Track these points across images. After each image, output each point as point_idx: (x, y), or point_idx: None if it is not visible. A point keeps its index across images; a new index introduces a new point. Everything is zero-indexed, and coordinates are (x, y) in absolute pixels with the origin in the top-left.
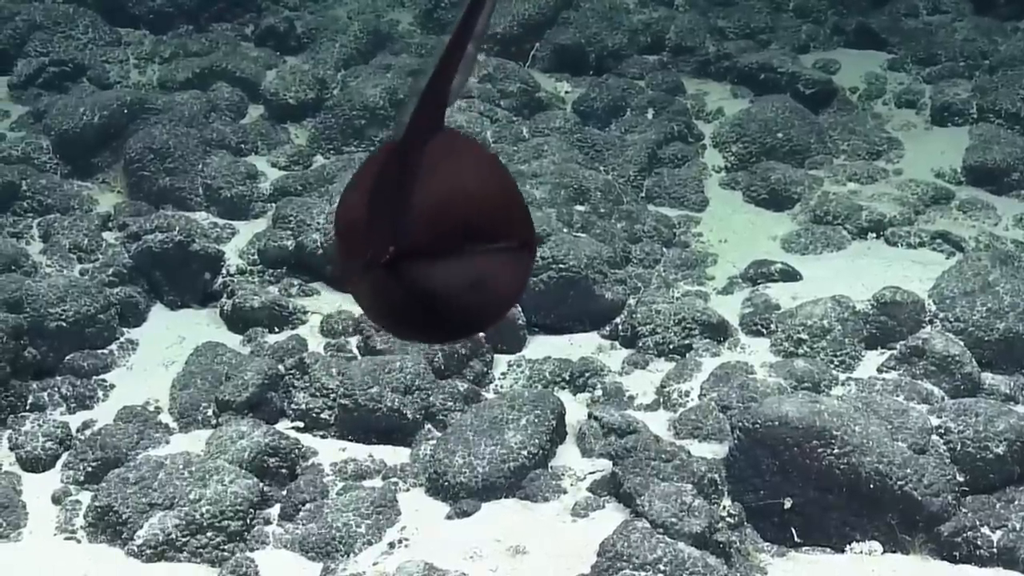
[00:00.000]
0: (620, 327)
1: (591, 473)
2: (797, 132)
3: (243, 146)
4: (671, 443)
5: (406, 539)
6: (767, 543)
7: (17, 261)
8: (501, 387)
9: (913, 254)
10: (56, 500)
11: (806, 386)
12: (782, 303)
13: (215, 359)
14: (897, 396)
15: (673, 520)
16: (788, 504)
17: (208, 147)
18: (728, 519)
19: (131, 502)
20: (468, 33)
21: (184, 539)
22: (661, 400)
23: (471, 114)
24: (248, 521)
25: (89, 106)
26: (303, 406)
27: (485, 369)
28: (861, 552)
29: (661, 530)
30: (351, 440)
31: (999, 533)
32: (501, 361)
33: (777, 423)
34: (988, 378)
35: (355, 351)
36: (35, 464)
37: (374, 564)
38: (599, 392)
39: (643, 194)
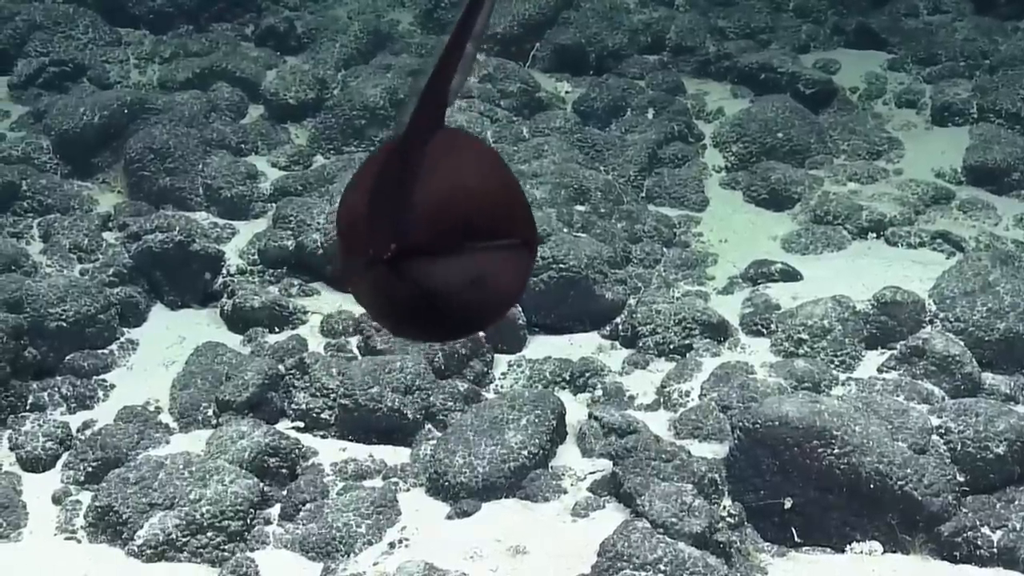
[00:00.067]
0: (620, 327)
1: (591, 473)
2: (797, 132)
3: (243, 146)
4: (671, 443)
5: (406, 539)
6: (767, 543)
7: (17, 261)
8: (501, 387)
9: (913, 254)
10: (56, 500)
11: (806, 386)
12: (782, 303)
13: (215, 359)
14: (897, 396)
15: (673, 520)
16: (788, 504)
17: (208, 147)
18: (728, 519)
19: (131, 502)
20: (467, 33)
21: (184, 539)
22: (661, 400)
23: (471, 114)
24: (248, 521)
25: (89, 106)
26: (303, 406)
27: (485, 369)
28: (861, 552)
29: (661, 530)
30: (351, 440)
31: (999, 533)
32: (501, 361)
33: (777, 423)
34: (988, 378)
35: (355, 351)
36: (35, 464)
37: (374, 564)
38: (599, 392)
39: (643, 194)
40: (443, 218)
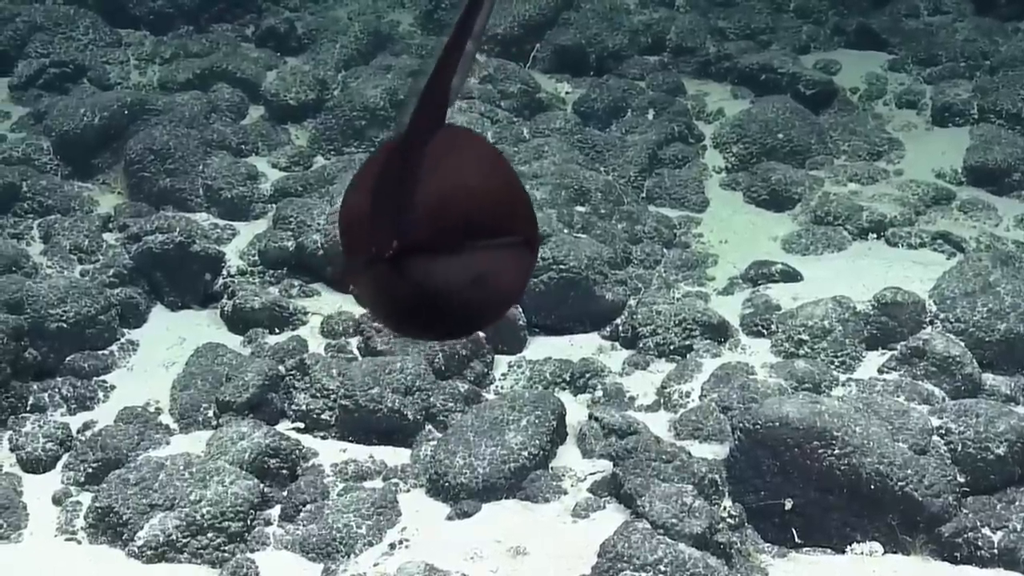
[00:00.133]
0: (621, 328)
1: (592, 474)
2: (798, 133)
3: (243, 147)
4: (672, 444)
5: (407, 540)
6: (768, 544)
7: (18, 262)
8: (502, 388)
9: (914, 255)
10: (57, 501)
11: (807, 387)
12: (783, 304)
13: (215, 360)
14: (898, 397)
15: (674, 521)
16: (789, 505)
17: (208, 148)
18: (729, 520)
19: (132, 503)
20: (467, 33)
21: (185, 540)
22: (662, 401)
23: (471, 115)
24: (248, 522)
25: (89, 107)
26: (304, 407)
27: (486, 370)
28: (862, 553)
29: (662, 531)
30: (352, 441)
31: (1000, 534)
32: (502, 362)
33: (778, 424)
34: (989, 379)
35: (355, 352)
36: (36, 465)
37: (375, 565)
38: (600, 393)
39: (644, 195)
40: (444, 216)
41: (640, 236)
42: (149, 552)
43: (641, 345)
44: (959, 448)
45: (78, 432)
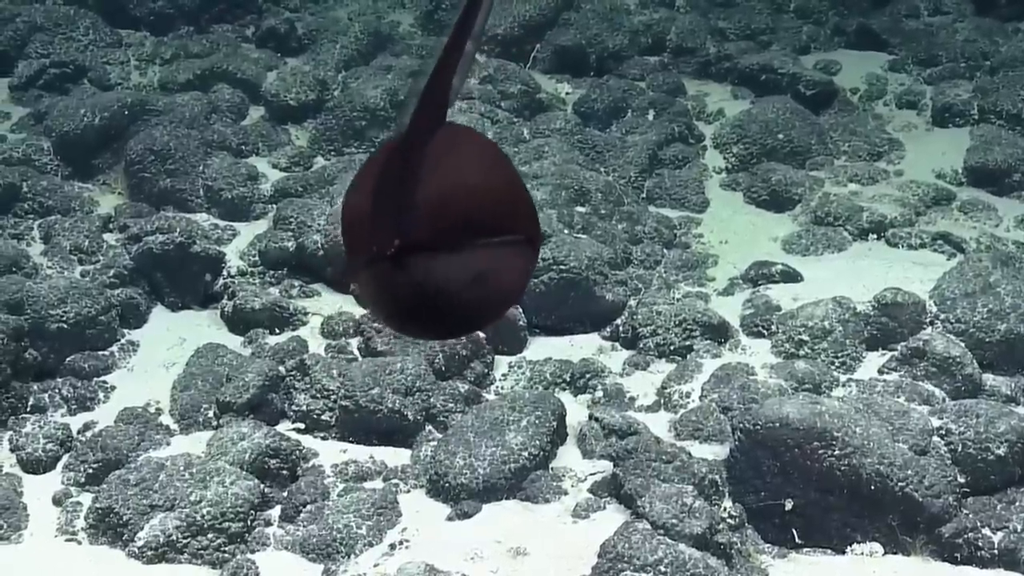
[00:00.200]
0: (621, 328)
1: (592, 474)
2: (798, 133)
3: (244, 147)
4: (672, 444)
5: (407, 540)
6: (768, 544)
7: (18, 263)
8: (502, 388)
9: (914, 255)
10: (57, 502)
11: (807, 387)
12: (783, 304)
13: (216, 360)
14: (898, 397)
15: (674, 521)
16: (789, 505)
17: (209, 148)
18: (729, 520)
19: (132, 504)
20: (466, 33)
21: (185, 540)
22: (662, 401)
23: (472, 115)
24: (249, 523)
25: (90, 108)
26: (304, 407)
27: (486, 370)
28: (862, 553)
29: (662, 531)
30: (352, 441)
31: (1000, 534)
32: (502, 362)
33: (778, 424)
34: (989, 379)
35: (356, 352)
36: (36, 466)
37: (375, 565)
38: (600, 393)
39: (644, 195)
40: (445, 215)
41: (640, 236)
42: (149, 553)
43: (641, 345)
44: (959, 449)
45: (78, 433)
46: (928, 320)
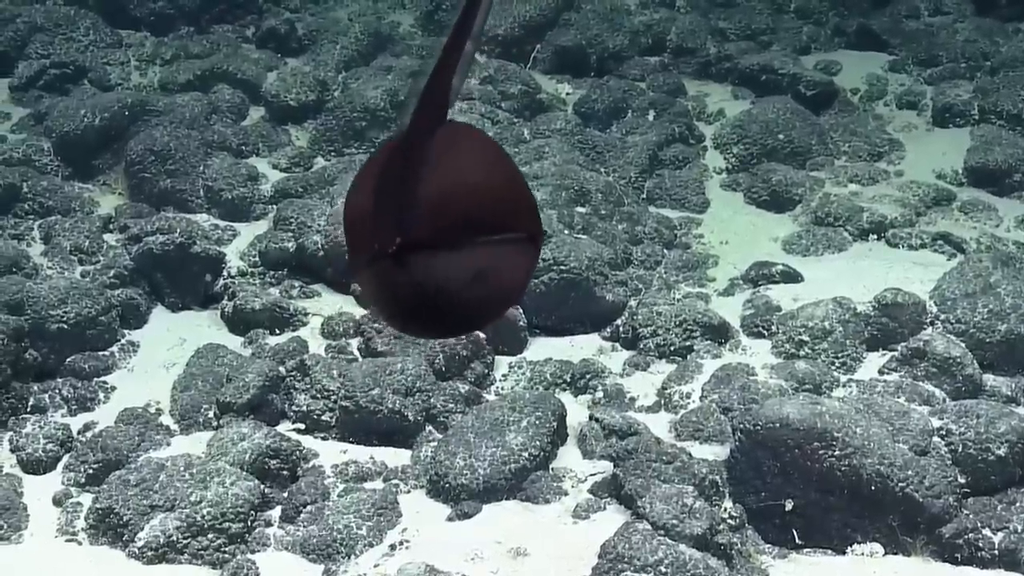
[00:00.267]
0: (621, 329)
1: (592, 475)
2: (798, 133)
3: (244, 148)
4: (672, 445)
5: (407, 541)
6: (768, 545)
7: (18, 263)
8: (502, 389)
9: (914, 255)
10: (57, 502)
11: (807, 388)
12: (783, 305)
13: (216, 361)
14: (898, 398)
15: (674, 522)
16: (789, 506)
17: (209, 149)
18: (729, 521)
19: (132, 504)
20: (465, 33)
21: (185, 541)
22: (662, 402)
23: (472, 116)
24: (249, 523)
25: (90, 108)
26: (304, 408)
27: (486, 371)
28: (862, 554)
29: (662, 532)
30: (352, 442)
31: (1000, 535)
32: (502, 363)
33: (778, 425)
34: (989, 380)
35: (356, 353)
36: (36, 466)
37: (375, 566)
38: (600, 394)
39: (644, 196)
40: (446, 213)
41: (641, 237)
42: (150, 553)
43: (642, 346)
44: (960, 449)
45: (79, 433)
46: (928, 320)
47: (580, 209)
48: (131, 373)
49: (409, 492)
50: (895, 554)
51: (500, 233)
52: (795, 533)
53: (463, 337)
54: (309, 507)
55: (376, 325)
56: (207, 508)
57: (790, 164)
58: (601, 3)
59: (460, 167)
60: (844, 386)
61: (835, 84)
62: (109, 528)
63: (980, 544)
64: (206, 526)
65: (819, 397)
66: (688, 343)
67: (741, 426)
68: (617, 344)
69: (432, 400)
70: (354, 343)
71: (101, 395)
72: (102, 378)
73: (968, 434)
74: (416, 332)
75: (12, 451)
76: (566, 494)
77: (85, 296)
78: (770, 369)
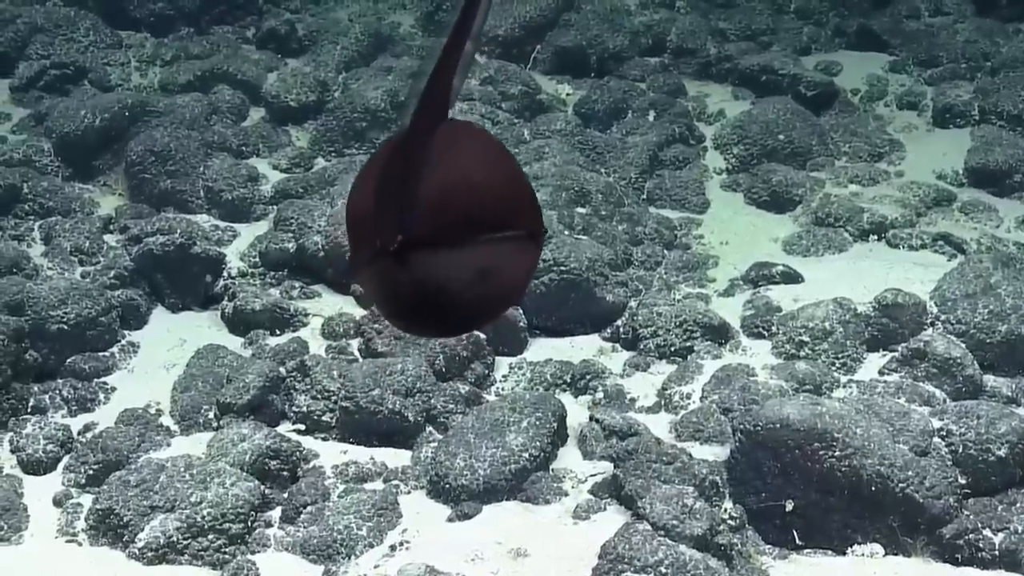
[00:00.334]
0: (621, 329)
1: (592, 475)
2: (798, 134)
3: (244, 148)
4: (672, 445)
5: (407, 541)
6: (768, 545)
7: (18, 264)
8: (502, 389)
9: (915, 256)
10: (57, 503)
11: (807, 388)
12: (783, 305)
13: (216, 362)
14: (899, 398)
15: (674, 522)
16: (789, 506)
17: (209, 150)
18: (729, 521)
19: (132, 505)
20: (465, 33)
21: (185, 542)
22: (662, 402)
23: (472, 116)
24: (249, 524)
25: (90, 109)
26: (304, 408)
27: (486, 371)
28: (863, 554)
29: (662, 532)
30: (352, 443)
31: (1001, 535)
32: (502, 363)
33: (778, 425)
34: (990, 380)
35: (356, 353)
36: (36, 467)
37: (375, 567)
38: (600, 394)
39: (644, 196)
40: (447, 210)
41: (641, 237)
42: (150, 554)
43: (642, 347)
44: (960, 450)
45: (79, 434)
46: (929, 321)
47: (580, 210)
48: (131, 374)
49: (409, 493)
50: (895, 555)
51: (501, 231)
52: (795, 534)
53: (463, 338)
54: (309, 508)
55: (376, 326)
56: (207, 509)
57: (790, 165)
58: (601, 4)
59: (461, 165)
60: (844, 387)
61: (835, 85)
62: (109, 529)
63: (980, 545)
64: (206, 527)
65: (819, 398)
66: (688, 344)
67: (741, 427)
68: (617, 345)
69: (432, 401)
70: (354, 344)
71: (101, 396)
72: (102, 379)
73: (968, 435)
74: (417, 331)
75: (12, 452)
76: (566, 495)
77: (85, 297)
78: (770, 370)
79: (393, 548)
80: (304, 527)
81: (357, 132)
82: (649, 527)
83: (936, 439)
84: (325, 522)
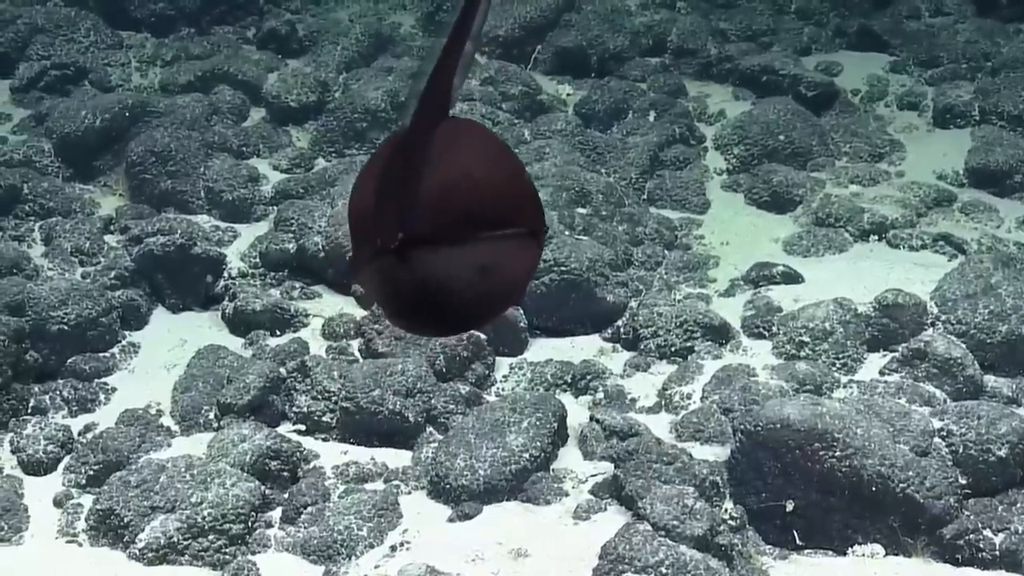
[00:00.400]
0: (622, 330)
1: (593, 476)
2: (799, 134)
3: (245, 149)
4: (673, 446)
5: (408, 542)
6: (769, 546)
7: (19, 264)
8: (503, 390)
9: (915, 256)
10: (58, 503)
11: (808, 388)
12: (784, 305)
13: (217, 362)
14: (899, 398)
15: (675, 523)
16: (790, 507)
17: (210, 150)
18: (730, 522)
19: (133, 505)
20: (465, 33)
21: (186, 542)
22: (663, 403)
23: (472, 117)
24: (250, 524)
25: (91, 109)
26: (305, 409)
27: (487, 371)
28: (863, 555)
29: (663, 533)
30: (353, 443)
31: (1001, 536)
32: (503, 363)
33: (779, 425)
34: (990, 380)
35: (357, 354)
36: (37, 467)
37: (376, 567)
38: (601, 395)
39: (645, 196)
40: (448, 208)
41: (641, 238)
42: (150, 554)
43: (642, 347)
44: (960, 450)
45: (79, 434)
46: (929, 321)
47: (581, 210)
48: (132, 374)
49: (410, 493)
50: (896, 555)
51: (502, 228)
52: (796, 534)
53: (464, 338)
54: (310, 508)
55: (377, 326)
56: (208, 509)
57: (791, 165)
58: (602, 4)
59: (462, 162)
60: (845, 387)
61: (836, 85)
62: (110, 529)
63: (981, 545)
64: (207, 527)
65: (820, 398)
66: (689, 344)
67: (742, 427)
68: (618, 345)
69: (433, 401)
70: (355, 344)
71: (102, 396)
72: (103, 379)
73: (969, 435)
74: (418, 329)
75: (13, 452)
76: (567, 495)
77: (86, 297)
78: (771, 370)
79: (393, 548)
80: (304, 527)
81: (357, 132)
82: (649, 527)
83: (936, 439)
84: (325, 522)
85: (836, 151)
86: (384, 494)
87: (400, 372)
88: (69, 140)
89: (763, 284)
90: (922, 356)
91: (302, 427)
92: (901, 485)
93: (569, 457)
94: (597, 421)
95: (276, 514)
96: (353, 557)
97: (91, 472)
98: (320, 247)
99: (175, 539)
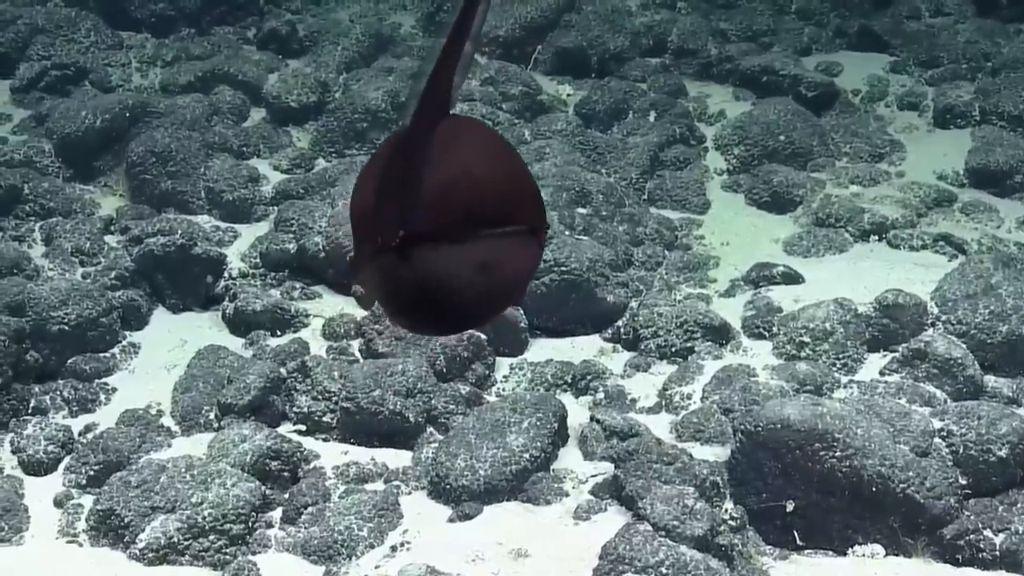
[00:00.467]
0: (622, 330)
1: (593, 476)
2: (799, 134)
3: (245, 149)
4: (673, 446)
5: (408, 542)
6: (769, 546)
7: (19, 265)
8: (503, 390)
9: (915, 256)
10: (58, 504)
11: (808, 389)
12: (784, 306)
13: (217, 362)
14: (899, 399)
15: (675, 523)
16: (790, 507)
17: (210, 150)
18: (730, 522)
19: (133, 505)
20: (464, 33)
21: (186, 542)
22: (663, 403)
23: (472, 116)
24: (250, 524)
25: (91, 109)
26: (305, 409)
27: (487, 372)
28: (863, 555)
29: (663, 533)
30: (353, 443)
31: (1002, 536)
32: (503, 364)
33: (779, 426)
34: (991, 381)
35: (357, 354)
36: (37, 467)
37: (376, 567)
38: (601, 395)
39: (645, 197)
40: (449, 206)
41: (641, 238)
42: (150, 554)
43: (642, 347)
44: (961, 450)
45: (79, 434)
46: (929, 321)
47: (581, 210)
48: (132, 374)
49: (410, 493)
50: (896, 555)
51: (503, 226)
52: (796, 534)
53: (464, 338)
54: (310, 508)
55: (377, 326)
56: (208, 509)
57: (791, 165)
58: (602, 4)
59: (463, 160)
60: (845, 387)
61: (836, 85)
62: (110, 529)
63: (981, 545)
64: (207, 527)
65: (820, 398)
66: (689, 344)
67: (742, 427)
68: (618, 345)
69: (433, 401)
70: (355, 344)
71: (102, 396)
72: (103, 379)
73: (969, 435)
74: (419, 328)
75: (13, 452)
76: (567, 495)
77: (86, 298)
78: (771, 370)
79: (394, 549)
80: (305, 528)
81: (358, 133)
82: (650, 528)
83: (937, 439)
84: (326, 523)
85: (836, 151)
86: (384, 494)
87: (400, 372)
88: (69, 140)
89: (763, 284)
90: (922, 356)
91: (302, 427)
92: (901, 485)
93: (569, 457)
94: (597, 421)
95: (276, 514)
96: (353, 557)
97: (91, 472)
98: (320, 247)
99: (175, 539)
